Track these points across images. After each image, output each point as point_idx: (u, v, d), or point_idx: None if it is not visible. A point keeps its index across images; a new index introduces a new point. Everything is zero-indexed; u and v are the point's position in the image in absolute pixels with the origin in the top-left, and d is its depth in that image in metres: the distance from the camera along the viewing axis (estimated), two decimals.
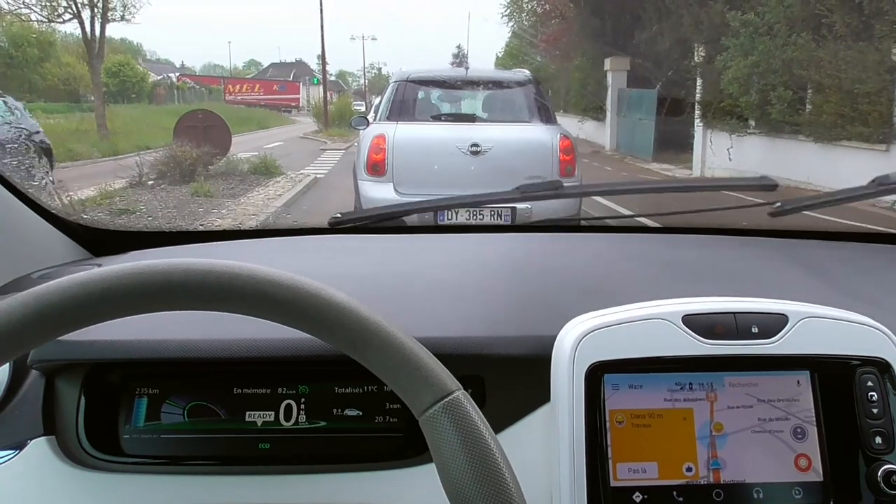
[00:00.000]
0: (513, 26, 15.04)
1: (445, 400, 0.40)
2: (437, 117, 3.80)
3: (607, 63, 11.03)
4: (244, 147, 10.32)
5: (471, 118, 3.80)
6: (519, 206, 2.80)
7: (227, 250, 0.90)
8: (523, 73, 4.29)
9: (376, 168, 3.20)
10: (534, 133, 3.47)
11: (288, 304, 0.42)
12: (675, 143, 9.16)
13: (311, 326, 0.43)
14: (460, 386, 0.42)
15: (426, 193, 1.90)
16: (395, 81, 3.87)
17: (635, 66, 10.74)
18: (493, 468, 0.39)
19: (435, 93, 3.96)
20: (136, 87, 12.14)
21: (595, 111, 11.42)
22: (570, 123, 13.41)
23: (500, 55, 18.59)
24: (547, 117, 3.74)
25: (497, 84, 4.04)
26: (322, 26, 12.87)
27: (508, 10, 14.58)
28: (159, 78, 14.12)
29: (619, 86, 10.90)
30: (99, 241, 0.89)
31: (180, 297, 0.42)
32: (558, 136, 3.43)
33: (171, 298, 0.42)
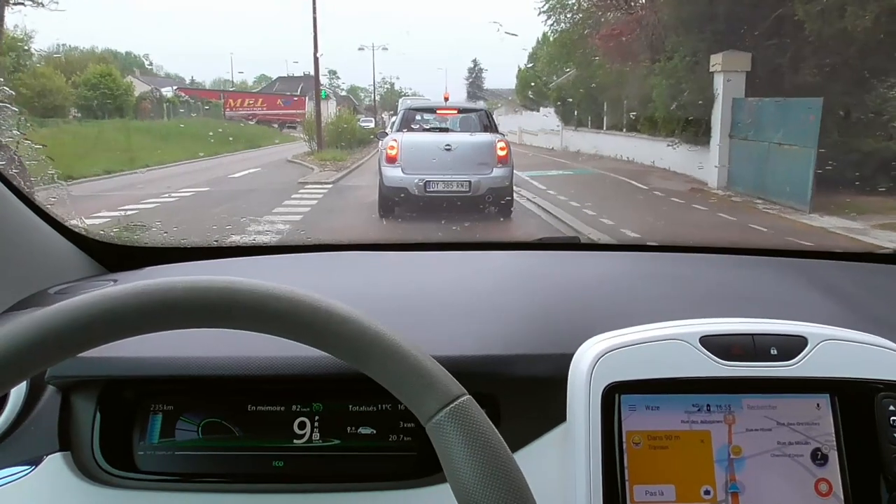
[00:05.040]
0: (552, 25, 14.83)
1: (451, 406, 0.50)
2: (428, 129, 8.11)
3: (716, 61, 9.40)
4: (201, 177, 9.49)
5: (447, 130, 8.08)
6: (473, 178, 6.97)
7: (244, 266, 1.08)
8: (480, 104, 10.37)
9: (392, 159, 7.19)
10: (483, 138, 7.68)
11: (289, 318, 0.51)
12: (856, 185, 7.10)
13: (313, 339, 0.52)
14: (465, 391, 0.51)
15: (421, 173, 6.83)
16: (403, 109, 8.50)
17: (764, 62, 8.94)
18: (502, 472, 0.48)
19: (427, 115, 8.38)
20: (118, 100, 13.26)
21: (690, 130, 9.96)
22: (647, 147, 11.23)
23: (522, 67, 19.66)
24: (492, 129, 7.99)
25: (464, 110, 8.74)
26: (315, 26, 12.90)
27: (546, 6, 13.22)
28: (147, 90, 15.50)
29: (733, 94, 9.31)
30: (115, 256, 1.08)
31: (183, 315, 0.51)
32: (497, 139, 7.54)
33: (173, 318, 0.51)
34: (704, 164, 9.78)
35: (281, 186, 9.42)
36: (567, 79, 15.41)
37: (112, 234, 1.10)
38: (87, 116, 12.69)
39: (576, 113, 15.46)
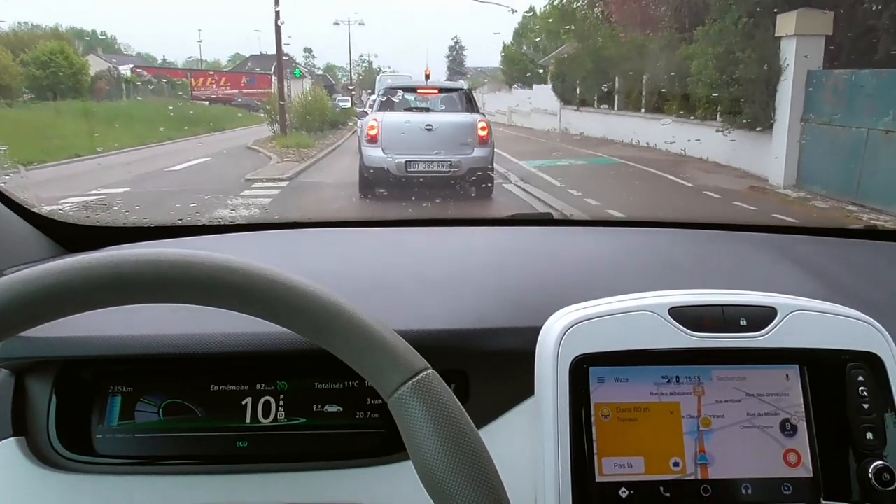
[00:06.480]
0: None
1: (414, 380, 0.54)
2: (409, 108, 8.86)
3: (786, 22, 8.21)
4: (133, 170, 8.76)
5: (427, 109, 8.90)
6: (453, 159, 7.93)
7: (210, 245, 1.14)
8: (460, 84, 11.20)
9: (372, 139, 8.00)
10: (464, 118, 8.52)
11: (245, 292, 0.55)
12: None
13: (270, 313, 0.56)
14: (429, 365, 0.56)
15: (401, 153, 7.93)
16: (384, 88, 9.40)
17: (849, 25, 7.82)
18: (465, 447, 0.53)
19: (408, 95, 9.10)
20: (70, 80, 13.21)
21: (746, 111, 8.83)
22: (674, 132, 10.35)
23: (507, 44, 20.05)
24: (473, 109, 8.88)
25: (445, 90, 9.68)
26: None
27: None
28: (104, 69, 15.79)
29: (808, 65, 8.17)
30: (75, 237, 1.15)
31: (133, 289, 0.54)
32: (478, 119, 8.38)
33: (123, 292, 0.54)
34: (764, 155, 8.61)
35: (222, 184, 8.61)
36: (564, 52, 14.98)
37: (71, 214, 1.22)
38: (40, 97, 12.83)
39: (578, 91, 14.77)
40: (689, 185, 8.65)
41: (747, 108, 8.81)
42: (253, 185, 8.61)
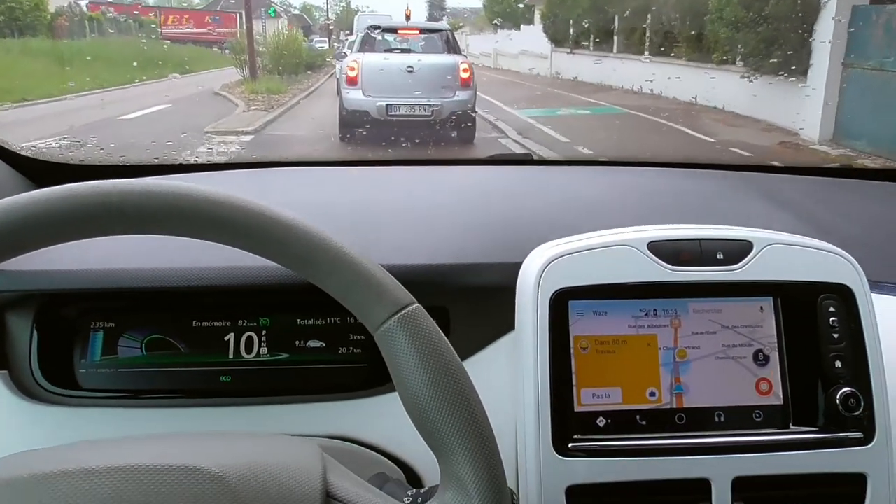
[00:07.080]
0: None
1: (401, 313, 0.58)
2: (389, 50, 9.12)
3: None
4: (81, 117, 8.20)
5: (408, 51, 9.14)
6: (435, 102, 8.28)
7: (191, 182, 1.27)
8: (443, 25, 11.41)
9: (352, 81, 8.26)
10: (446, 59, 8.85)
11: (231, 223, 0.58)
12: None
13: (256, 245, 0.59)
14: (415, 300, 0.59)
15: (382, 96, 8.22)
16: (363, 28, 9.59)
17: None
18: (450, 378, 0.57)
19: (388, 36, 9.34)
20: (27, 16, 13.12)
21: (776, 55, 8.08)
22: (684, 77, 9.83)
23: None
24: (455, 50, 9.18)
25: (426, 31, 9.84)
26: None
27: None
28: (64, 5, 15.59)
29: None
30: (50, 174, 1.18)
31: (117, 219, 0.56)
32: (461, 61, 8.72)
33: (107, 222, 0.56)
34: (791, 105, 8.00)
35: (178, 136, 7.98)
36: None
37: (44, 151, 1.27)
38: None
39: (571, 32, 14.18)
40: (710, 140, 8.02)
41: (778, 51, 8.07)
42: (214, 140, 8.04)
